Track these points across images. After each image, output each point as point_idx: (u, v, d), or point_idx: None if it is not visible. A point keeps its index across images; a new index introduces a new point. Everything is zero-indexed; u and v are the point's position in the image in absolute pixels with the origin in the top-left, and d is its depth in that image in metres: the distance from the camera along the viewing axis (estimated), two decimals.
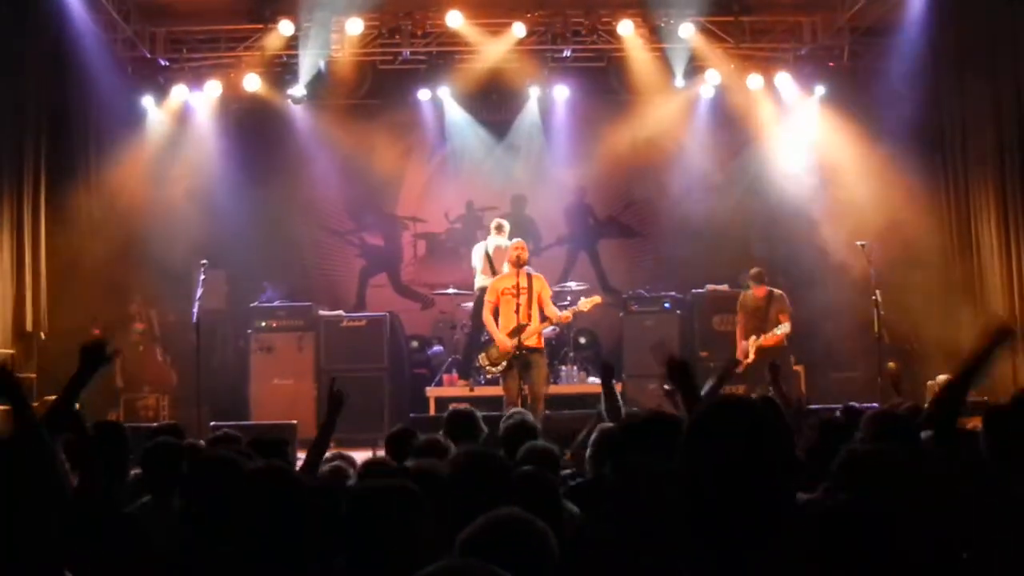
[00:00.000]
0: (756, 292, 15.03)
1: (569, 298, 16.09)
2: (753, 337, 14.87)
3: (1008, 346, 6.67)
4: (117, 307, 16.61)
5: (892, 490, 4.37)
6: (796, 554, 3.17)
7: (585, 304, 14.08)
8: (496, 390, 14.94)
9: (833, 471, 4.68)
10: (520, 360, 13.50)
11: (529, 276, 13.74)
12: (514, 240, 14.24)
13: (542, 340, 13.91)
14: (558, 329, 15.72)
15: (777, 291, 14.99)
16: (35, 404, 13.97)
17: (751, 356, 14.79)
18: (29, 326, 14.66)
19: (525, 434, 6.98)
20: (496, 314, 13.74)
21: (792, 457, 3.28)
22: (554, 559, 3.45)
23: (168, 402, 16.37)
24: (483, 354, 14.10)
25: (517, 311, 13.44)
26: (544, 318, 13.72)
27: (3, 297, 14.51)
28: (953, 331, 15.51)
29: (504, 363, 13.60)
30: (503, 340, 13.52)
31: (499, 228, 16.27)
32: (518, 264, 13.67)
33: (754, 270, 15.20)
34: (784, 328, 14.63)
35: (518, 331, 13.46)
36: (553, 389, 14.80)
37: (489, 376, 14.32)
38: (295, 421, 13.59)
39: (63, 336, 14.98)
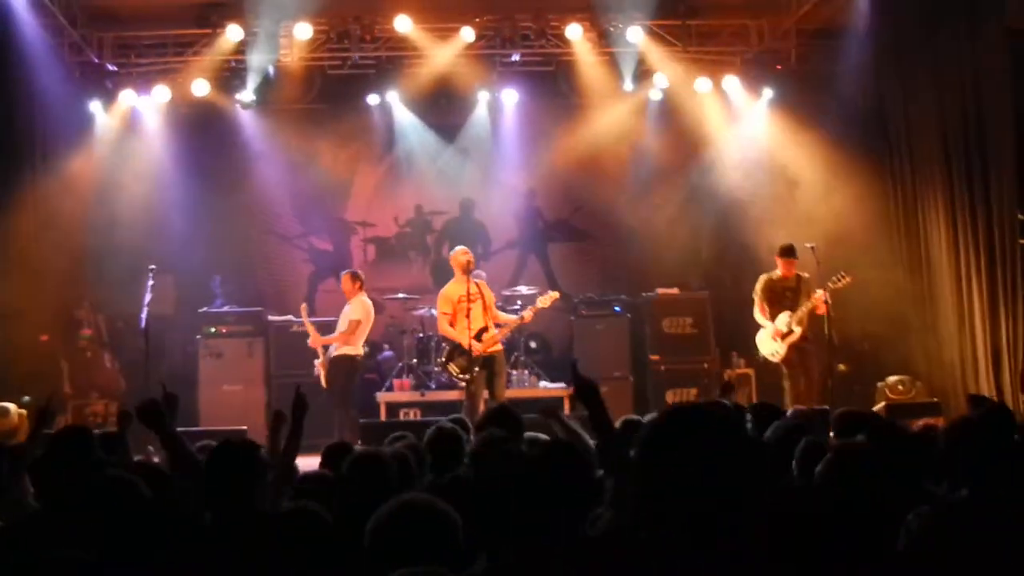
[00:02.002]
0: (785, 272, 14.38)
1: (520, 302, 16.13)
2: (787, 313, 14.19)
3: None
4: (65, 312, 16.52)
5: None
6: (764, 546, 3.19)
7: (544, 300, 14.24)
8: (448, 395, 15.00)
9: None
10: (487, 366, 13.69)
11: (477, 284, 13.91)
12: (459, 247, 14.29)
13: (501, 344, 14.12)
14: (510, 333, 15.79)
15: (805, 274, 14.36)
16: None
17: (797, 332, 14.10)
18: None
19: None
20: (452, 324, 13.92)
21: (757, 460, 3.27)
22: (458, 535, 3.53)
23: (116, 408, 16.24)
24: (451, 364, 14.19)
25: (468, 316, 13.59)
26: (497, 324, 13.93)
27: None
28: (903, 331, 15.68)
29: (476, 369, 13.73)
30: (476, 345, 13.65)
31: None
32: (468, 270, 13.78)
33: (787, 244, 14.51)
34: (828, 287, 13.81)
35: (480, 336, 13.64)
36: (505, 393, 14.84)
37: (462, 382, 14.29)
38: (245, 427, 13.54)
39: (9, 341, 14.91)
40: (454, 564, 3.64)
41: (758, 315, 14.51)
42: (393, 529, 3.56)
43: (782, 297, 14.34)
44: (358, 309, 14.89)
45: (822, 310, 13.89)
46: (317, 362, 14.79)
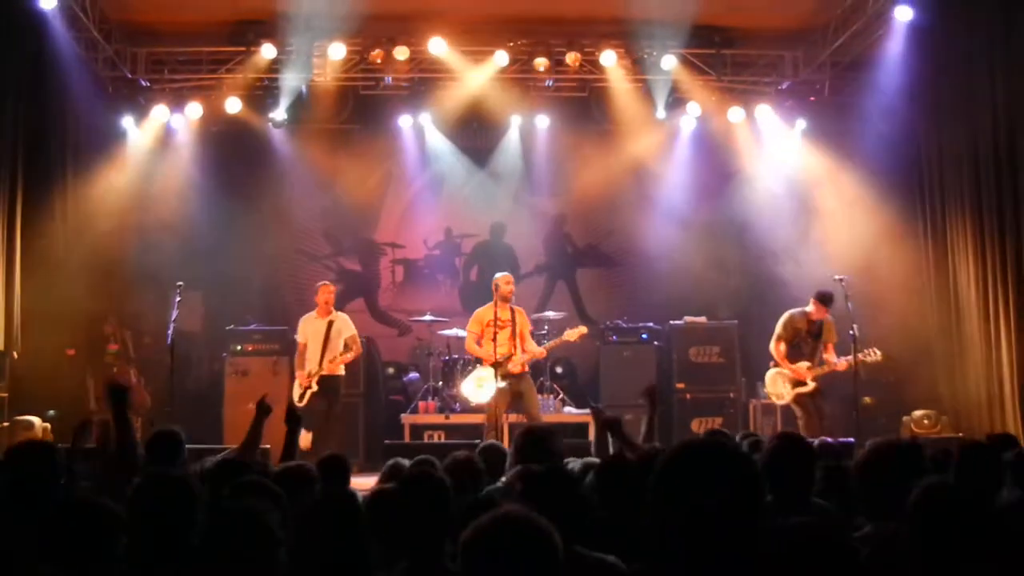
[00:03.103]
0: (816, 315, 14.04)
1: (547, 327, 16.10)
2: (807, 364, 14.02)
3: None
4: (92, 327, 16.55)
5: None
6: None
7: (572, 334, 14.26)
8: (472, 418, 14.94)
9: None
10: (508, 389, 13.71)
11: (512, 310, 13.94)
12: (503, 273, 14.31)
13: (526, 366, 14.10)
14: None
15: (829, 318, 14.13)
16: (5, 424, 14.01)
17: (810, 386, 13.96)
18: (1, 345, 14.56)
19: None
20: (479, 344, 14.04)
21: (760, 489, 3.30)
22: (559, 556, 3.38)
23: (141, 424, 16.24)
24: (471, 382, 14.36)
25: (495, 339, 13.63)
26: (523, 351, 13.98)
27: None
28: (929, 364, 15.56)
29: (499, 379, 13.84)
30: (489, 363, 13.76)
31: None
32: (504, 298, 13.88)
33: (828, 292, 14.01)
34: (860, 355, 13.67)
35: (501, 362, 13.69)
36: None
37: (471, 405, 14.50)
38: (268, 446, 13.48)
39: (36, 355, 14.94)
40: None
41: (775, 351, 14.31)
42: (490, 544, 3.40)
43: (803, 341, 14.17)
44: (350, 325, 15.00)
45: (842, 368, 13.87)
46: (307, 388, 14.69)
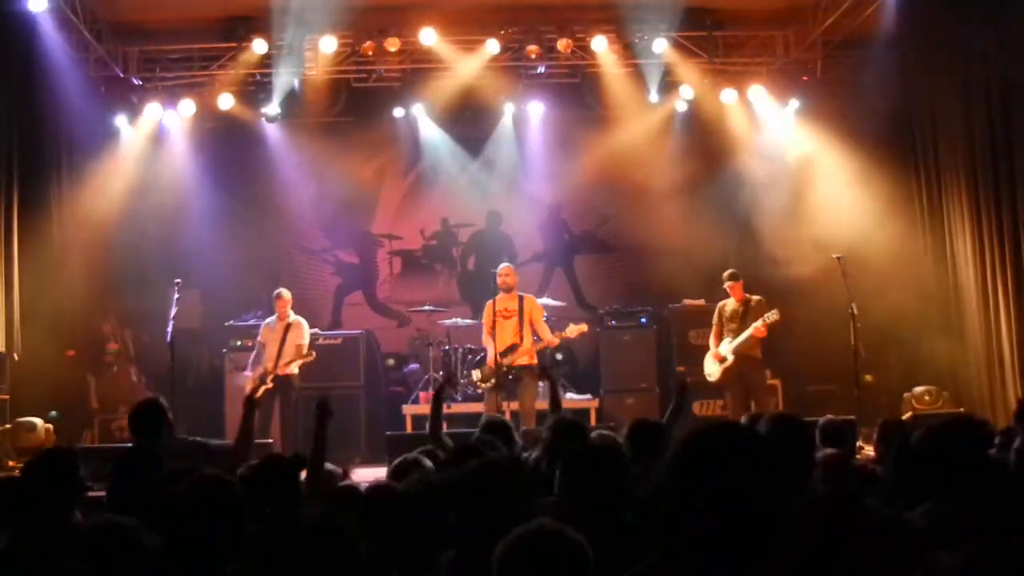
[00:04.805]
0: (734, 296, 14.68)
1: (547, 314, 16.15)
2: (728, 339, 14.61)
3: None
4: (91, 327, 16.55)
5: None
6: (791, 555, 3.21)
7: (572, 331, 14.32)
8: (473, 407, 14.98)
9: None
10: (509, 378, 13.79)
11: (521, 298, 14.05)
12: (501, 265, 14.38)
13: (535, 358, 14.17)
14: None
15: (755, 297, 14.68)
16: (8, 426, 14.00)
17: (729, 359, 14.52)
18: (2, 346, 14.56)
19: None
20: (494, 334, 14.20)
21: (778, 470, 3.31)
22: (591, 569, 3.39)
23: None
24: (477, 370, 14.54)
25: (491, 332, 13.81)
26: (537, 338, 14.04)
27: None
28: (929, 341, 15.56)
29: (492, 381, 14.04)
30: (491, 358, 14.16)
31: None
32: (506, 288, 13.95)
33: (729, 271, 14.98)
34: (761, 322, 14.18)
35: (509, 351, 13.84)
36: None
37: (480, 390, 14.73)
38: (271, 440, 13.52)
39: (36, 357, 14.93)
40: None
41: (711, 338, 15.08)
42: (523, 559, 3.39)
43: (729, 323, 14.75)
44: (303, 334, 15.01)
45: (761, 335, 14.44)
46: (260, 382, 14.54)
